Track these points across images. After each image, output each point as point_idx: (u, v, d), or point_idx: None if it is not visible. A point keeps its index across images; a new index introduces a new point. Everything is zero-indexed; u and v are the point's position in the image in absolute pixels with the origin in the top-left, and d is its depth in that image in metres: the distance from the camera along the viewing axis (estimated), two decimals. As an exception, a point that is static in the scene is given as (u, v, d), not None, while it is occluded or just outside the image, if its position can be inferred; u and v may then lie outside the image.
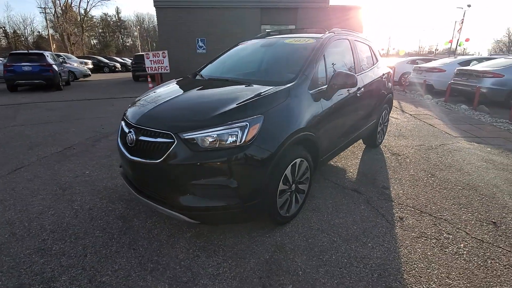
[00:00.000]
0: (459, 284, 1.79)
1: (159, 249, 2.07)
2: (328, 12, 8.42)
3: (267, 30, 3.81)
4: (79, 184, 3.06)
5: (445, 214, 2.55)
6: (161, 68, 7.91)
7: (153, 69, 7.99)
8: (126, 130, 2.14)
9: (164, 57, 7.76)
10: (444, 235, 2.26)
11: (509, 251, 2.09)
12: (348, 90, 2.87)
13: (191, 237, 2.20)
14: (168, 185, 1.94)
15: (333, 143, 2.81)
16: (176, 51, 8.14)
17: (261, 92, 2.12)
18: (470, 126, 5.81)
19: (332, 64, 2.78)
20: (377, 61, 3.95)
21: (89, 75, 14.84)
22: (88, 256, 1.98)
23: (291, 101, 2.17)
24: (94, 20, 54.66)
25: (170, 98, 2.28)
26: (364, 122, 3.50)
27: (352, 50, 3.25)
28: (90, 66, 19.14)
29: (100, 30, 59.27)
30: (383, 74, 3.94)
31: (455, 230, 2.33)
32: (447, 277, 1.84)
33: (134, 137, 2.00)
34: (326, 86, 2.53)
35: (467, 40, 29.33)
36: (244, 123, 1.86)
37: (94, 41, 59.97)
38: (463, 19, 30.53)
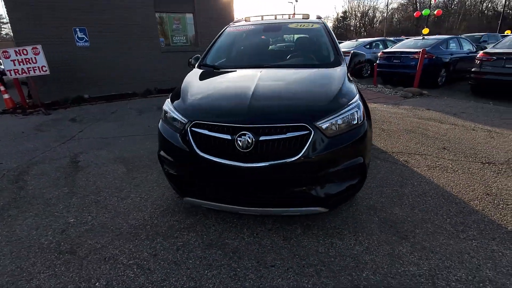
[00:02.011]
0: (478, 187, 2.67)
1: (295, 253, 1.89)
2: (222, 1, 8.49)
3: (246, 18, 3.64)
4: (86, 237, 2.11)
5: (421, 151, 3.55)
6: (35, 70, 5.75)
7: (20, 72, 5.70)
8: (227, 136, 1.73)
9: (36, 54, 5.66)
10: (437, 163, 3.20)
11: (472, 161, 3.23)
12: None
13: (304, 232, 2.11)
14: (305, 181, 1.80)
15: None
16: (44, 45, 6.04)
17: (341, 74, 2.22)
18: (357, 92, 7.69)
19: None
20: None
21: None
22: (238, 297, 1.58)
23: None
24: None
25: (249, 88, 1.98)
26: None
27: (326, 34, 3.70)
28: None
29: None
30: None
31: (436, 158, 3.33)
32: (469, 185, 2.70)
33: (254, 139, 1.68)
34: (347, 64, 2.86)
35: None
36: (357, 102, 1.95)
37: None
38: (294, 13, 37.84)
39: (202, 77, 2.48)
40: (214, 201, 1.92)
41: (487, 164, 3.13)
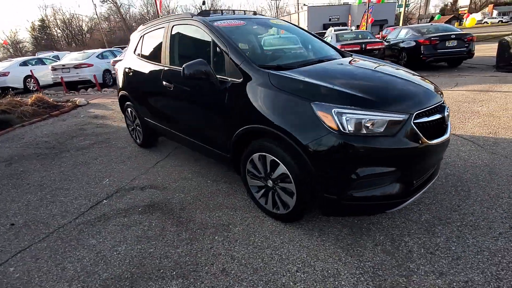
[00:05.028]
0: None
1: (445, 211, 2.02)
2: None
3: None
4: None
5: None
6: None
7: None
8: (439, 115, 1.75)
9: None
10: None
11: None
12: None
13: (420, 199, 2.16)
14: None
15: None
16: None
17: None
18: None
19: None
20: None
21: None
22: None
23: None
24: None
25: (386, 75, 1.98)
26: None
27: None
28: None
29: None
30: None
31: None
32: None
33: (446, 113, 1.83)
34: None
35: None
36: None
37: None
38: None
39: (317, 74, 1.97)
40: (419, 189, 1.75)
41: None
